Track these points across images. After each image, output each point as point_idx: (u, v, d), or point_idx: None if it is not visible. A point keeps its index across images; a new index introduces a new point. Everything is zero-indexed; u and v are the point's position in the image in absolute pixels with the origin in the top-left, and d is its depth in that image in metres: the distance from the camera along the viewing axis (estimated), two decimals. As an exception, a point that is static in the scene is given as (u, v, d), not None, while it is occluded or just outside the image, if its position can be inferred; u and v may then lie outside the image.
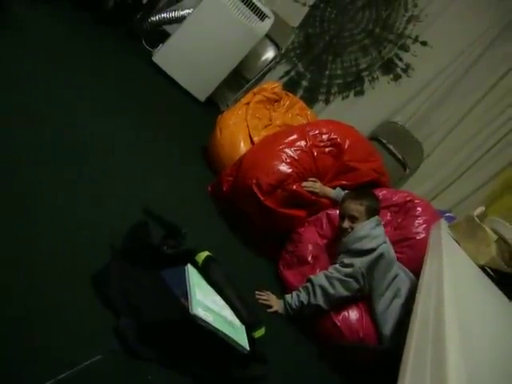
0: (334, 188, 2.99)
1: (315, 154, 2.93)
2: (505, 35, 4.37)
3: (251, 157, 2.90)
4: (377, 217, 2.66)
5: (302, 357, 2.38)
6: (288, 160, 2.84)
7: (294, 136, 2.96)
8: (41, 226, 1.71)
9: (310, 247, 2.80)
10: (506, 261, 1.77)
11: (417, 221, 2.84)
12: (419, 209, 2.89)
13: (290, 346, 2.38)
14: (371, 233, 2.54)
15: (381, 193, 3.00)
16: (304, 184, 2.88)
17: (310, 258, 2.75)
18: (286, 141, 2.92)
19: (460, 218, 2.16)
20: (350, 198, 2.72)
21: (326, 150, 2.98)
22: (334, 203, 2.92)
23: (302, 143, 2.93)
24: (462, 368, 0.43)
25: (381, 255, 2.47)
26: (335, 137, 3.01)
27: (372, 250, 2.47)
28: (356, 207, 2.64)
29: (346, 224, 2.64)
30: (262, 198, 2.74)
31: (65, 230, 1.78)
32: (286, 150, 2.87)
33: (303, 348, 2.43)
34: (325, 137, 3.01)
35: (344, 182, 3.04)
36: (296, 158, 2.87)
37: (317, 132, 3.00)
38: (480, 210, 1.91)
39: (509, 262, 1.76)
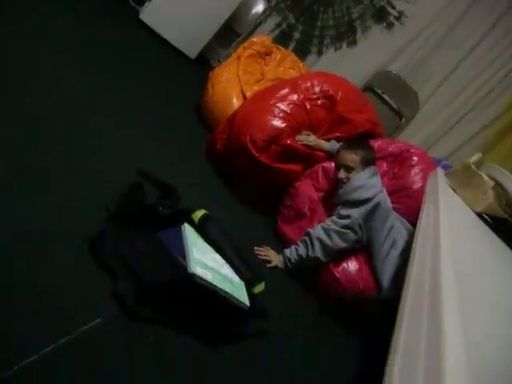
0: (328, 141, 2.96)
1: (308, 107, 2.90)
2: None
3: (243, 113, 2.86)
4: (373, 166, 2.65)
5: (303, 310, 2.39)
6: (281, 114, 2.81)
7: (286, 90, 2.92)
8: (34, 187, 1.69)
9: (307, 200, 2.79)
10: (503, 207, 1.76)
11: (413, 170, 2.83)
12: (415, 158, 2.87)
13: (290, 300, 2.39)
14: (367, 182, 2.53)
15: (376, 143, 2.98)
16: (298, 138, 2.86)
17: (307, 211, 2.75)
18: (278, 95, 2.88)
19: (456, 165, 2.15)
20: (345, 149, 2.70)
21: (319, 102, 2.95)
22: (329, 156, 2.90)
23: (295, 97, 2.89)
24: (457, 318, 0.42)
25: (377, 204, 2.46)
26: (327, 89, 2.97)
27: (368, 200, 2.47)
28: (351, 157, 2.63)
29: (342, 174, 2.63)
30: (256, 155, 2.72)
31: (60, 194, 1.76)
32: (279, 104, 2.84)
33: (304, 301, 2.44)
34: (317, 89, 2.97)
35: (338, 134, 3.01)
36: (289, 112, 2.83)
37: (309, 85, 2.97)
38: (476, 156, 1.89)
39: (506, 208, 1.76)
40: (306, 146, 2.87)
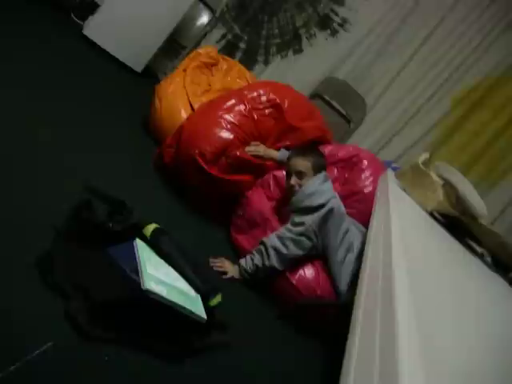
0: (278, 150, 2.96)
1: (255, 117, 2.89)
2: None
3: (191, 126, 2.83)
4: (324, 172, 2.65)
5: (263, 320, 2.37)
6: (229, 126, 2.79)
7: (233, 101, 2.90)
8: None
9: (259, 210, 2.78)
10: (453, 204, 1.78)
11: (363, 174, 2.85)
12: (365, 162, 2.90)
13: (249, 310, 2.37)
14: (319, 188, 2.53)
15: (326, 149, 3.00)
16: (247, 149, 2.84)
17: (259, 221, 2.73)
18: (225, 106, 2.87)
19: (406, 166, 2.17)
20: (296, 155, 2.68)
21: (266, 111, 2.94)
22: (280, 164, 2.90)
23: (241, 107, 2.88)
24: (411, 319, 0.41)
25: (331, 210, 2.46)
26: (273, 97, 2.97)
27: (322, 206, 2.46)
28: (302, 163, 2.62)
29: (293, 181, 2.61)
30: (206, 167, 2.69)
31: (4, 213, 1.70)
32: (226, 116, 2.82)
33: (263, 311, 2.42)
34: (263, 98, 2.96)
35: (288, 143, 3.01)
36: (236, 123, 2.82)
37: (255, 95, 2.95)
38: (424, 156, 1.91)
39: (456, 206, 1.78)
40: (256, 156, 2.86)
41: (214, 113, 2.83)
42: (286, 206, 2.68)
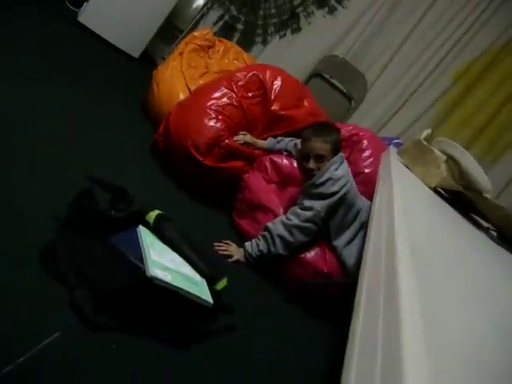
0: (265, 139, 2.97)
1: (244, 106, 2.90)
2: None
3: (180, 117, 2.81)
4: (340, 154, 2.54)
5: (269, 302, 2.37)
6: (219, 117, 2.79)
7: (221, 90, 2.90)
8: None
9: (258, 192, 2.76)
10: (457, 179, 1.77)
11: (364, 154, 2.84)
12: (365, 141, 2.88)
13: (256, 292, 2.37)
14: (334, 174, 2.44)
15: None
16: (235, 138, 2.85)
17: (260, 203, 2.72)
18: (214, 96, 2.86)
19: (408, 143, 2.15)
20: (315, 136, 2.51)
21: (255, 100, 2.95)
22: (269, 152, 2.91)
23: (230, 96, 2.88)
24: (415, 302, 0.39)
25: (342, 197, 2.43)
26: (263, 85, 2.97)
27: (335, 193, 2.43)
28: (322, 146, 2.48)
29: (312, 165, 2.49)
30: (201, 159, 2.68)
31: (5, 204, 1.69)
32: (215, 105, 2.82)
33: (270, 293, 2.42)
34: (253, 87, 2.96)
35: (278, 132, 3.01)
36: (226, 113, 2.82)
37: (244, 82, 2.95)
38: (426, 132, 1.89)
39: (459, 181, 1.76)
40: (246, 143, 2.86)
41: (203, 103, 2.82)
42: (289, 187, 2.66)
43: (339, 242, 2.50)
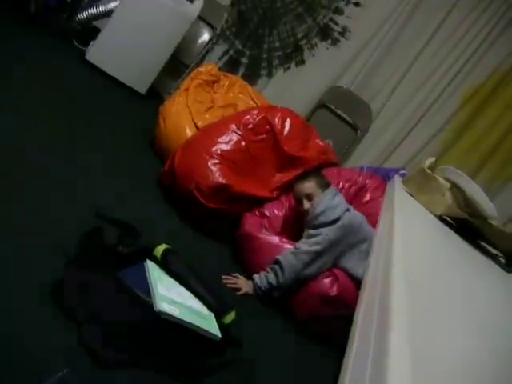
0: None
1: (252, 150, 2.93)
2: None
3: (186, 159, 2.83)
4: (331, 187, 2.68)
5: (279, 333, 2.36)
6: (225, 162, 2.81)
7: (230, 133, 2.91)
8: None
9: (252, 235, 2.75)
10: (462, 207, 1.77)
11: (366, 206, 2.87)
12: (368, 196, 2.87)
13: (265, 325, 2.36)
14: (330, 204, 2.54)
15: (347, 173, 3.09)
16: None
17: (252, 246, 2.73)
18: (221, 140, 2.88)
19: (412, 172, 2.16)
20: (297, 182, 2.77)
21: (263, 143, 2.98)
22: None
23: (236, 140, 2.90)
24: (404, 332, 0.40)
25: (346, 223, 2.47)
26: (270, 128, 2.99)
27: (337, 220, 2.47)
28: (307, 185, 2.68)
29: (306, 204, 2.64)
30: (204, 202, 2.71)
31: (16, 244, 1.72)
32: (221, 150, 2.84)
33: (279, 325, 2.42)
34: (262, 129, 2.99)
35: (295, 173, 2.98)
36: (232, 158, 2.85)
37: (251, 125, 2.97)
38: (430, 161, 1.91)
39: (464, 208, 1.77)
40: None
41: (209, 147, 2.84)
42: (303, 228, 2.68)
43: (347, 264, 2.50)
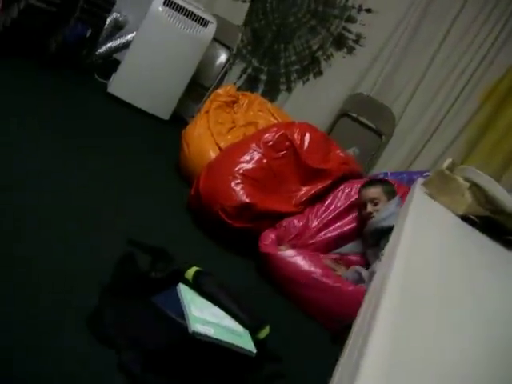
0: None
1: (274, 167, 2.98)
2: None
3: (209, 181, 2.88)
4: (397, 196, 2.79)
5: (314, 344, 2.38)
6: (248, 181, 2.85)
7: (251, 152, 2.97)
8: (26, 275, 1.72)
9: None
10: (483, 204, 1.78)
11: None
12: None
13: (301, 337, 2.38)
14: (396, 210, 2.59)
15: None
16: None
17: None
18: (242, 159, 2.93)
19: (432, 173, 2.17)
20: (365, 186, 2.90)
21: (285, 159, 3.02)
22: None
23: (258, 158, 2.95)
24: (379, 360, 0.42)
25: None
26: (291, 144, 3.04)
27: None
28: (374, 190, 2.83)
29: (370, 208, 2.77)
30: (230, 222, 2.76)
31: (52, 275, 1.79)
32: (243, 170, 2.89)
33: (315, 336, 2.43)
34: (282, 146, 3.03)
35: (320, 185, 3.04)
36: (255, 177, 2.90)
37: (271, 142, 3.02)
38: (448, 161, 1.91)
39: (485, 205, 1.77)
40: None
41: (231, 167, 2.90)
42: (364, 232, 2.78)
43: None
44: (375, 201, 2.78)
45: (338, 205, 3.01)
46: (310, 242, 2.91)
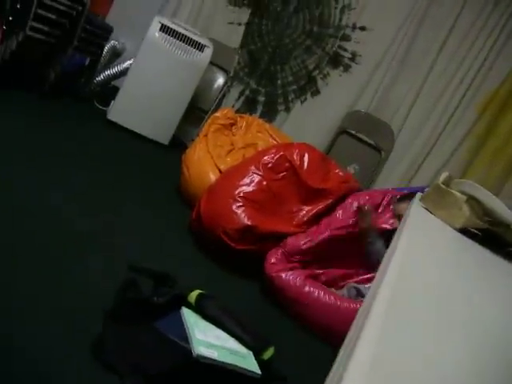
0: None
1: (274, 189, 2.99)
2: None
3: (210, 205, 2.90)
4: None
5: (321, 364, 2.36)
6: (249, 203, 2.87)
7: (250, 175, 2.98)
8: (29, 302, 1.73)
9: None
10: (481, 217, 1.78)
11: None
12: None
13: (305, 356, 2.38)
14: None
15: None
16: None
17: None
18: (242, 182, 2.95)
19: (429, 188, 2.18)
20: (397, 201, 3.00)
21: (285, 181, 3.03)
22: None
23: (258, 181, 2.97)
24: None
25: None
26: (290, 165, 3.05)
27: None
28: (401, 206, 2.89)
29: (395, 224, 2.84)
30: (233, 245, 2.77)
31: (51, 300, 1.80)
32: (244, 192, 2.91)
33: (319, 355, 2.42)
34: (281, 168, 3.05)
35: (321, 205, 3.04)
36: (255, 199, 2.91)
37: (270, 164, 3.03)
38: (444, 175, 1.92)
39: (483, 218, 1.78)
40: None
41: (232, 191, 2.91)
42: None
43: None
44: (401, 217, 2.79)
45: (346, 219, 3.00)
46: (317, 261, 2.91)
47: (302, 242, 2.84)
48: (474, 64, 4.40)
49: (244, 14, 4.93)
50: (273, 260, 2.77)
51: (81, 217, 2.51)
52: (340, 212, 3.00)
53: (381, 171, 4.60)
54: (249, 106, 4.95)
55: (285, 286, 2.65)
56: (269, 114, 4.88)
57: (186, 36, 4.22)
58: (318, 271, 2.88)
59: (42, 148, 3.10)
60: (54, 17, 3.73)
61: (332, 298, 2.59)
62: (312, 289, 2.61)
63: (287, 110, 4.91)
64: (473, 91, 4.45)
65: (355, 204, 3.03)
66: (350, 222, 2.95)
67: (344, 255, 2.94)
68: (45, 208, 2.42)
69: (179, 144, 4.54)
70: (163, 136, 4.41)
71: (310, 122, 4.75)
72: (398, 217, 2.85)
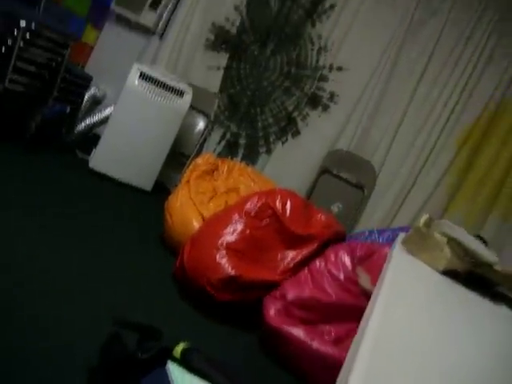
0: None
1: (258, 236, 2.99)
2: (410, 35, 4.53)
3: (194, 254, 2.89)
4: None
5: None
6: (232, 253, 2.86)
7: (233, 224, 2.99)
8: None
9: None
10: (462, 258, 1.79)
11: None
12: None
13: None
14: None
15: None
16: None
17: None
18: (225, 231, 2.95)
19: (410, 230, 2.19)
20: (357, 263, 2.87)
21: (269, 228, 3.04)
22: None
23: (242, 230, 2.97)
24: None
25: None
26: (273, 212, 3.07)
27: None
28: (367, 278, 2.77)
29: None
30: (216, 295, 2.75)
31: (35, 355, 1.77)
32: (227, 242, 2.90)
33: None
34: (264, 215, 3.06)
35: (305, 251, 3.02)
36: (239, 248, 2.91)
37: (253, 213, 3.05)
38: (424, 218, 1.94)
39: (464, 259, 1.79)
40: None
41: (215, 240, 2.90)
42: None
43: None
44: None
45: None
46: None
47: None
48: (449, 100, 4.47)
49: (222, 59, 5.01)
50: (269, 314, 2.72)
51: (59, 264, 2.49)
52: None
53: (364, 208, 4.62)
54: (230, 150, 4.98)
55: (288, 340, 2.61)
56: (250, 157, 4.91)
57: (165, 83, 4.26)
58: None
59: (21, 199, 3.08)
60: (33, 69, 3.76)
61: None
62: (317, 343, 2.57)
63: (268, 151, 4.94)
64: (451, 125, 4.50)
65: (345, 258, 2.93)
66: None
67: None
68: (25, 260, 2.39)
69: (162, 190, 4.54)
70: (146, 182, 4.41)
71: (292, 163, 4.78)
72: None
